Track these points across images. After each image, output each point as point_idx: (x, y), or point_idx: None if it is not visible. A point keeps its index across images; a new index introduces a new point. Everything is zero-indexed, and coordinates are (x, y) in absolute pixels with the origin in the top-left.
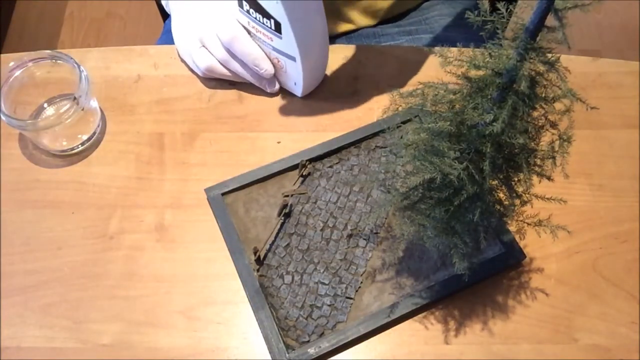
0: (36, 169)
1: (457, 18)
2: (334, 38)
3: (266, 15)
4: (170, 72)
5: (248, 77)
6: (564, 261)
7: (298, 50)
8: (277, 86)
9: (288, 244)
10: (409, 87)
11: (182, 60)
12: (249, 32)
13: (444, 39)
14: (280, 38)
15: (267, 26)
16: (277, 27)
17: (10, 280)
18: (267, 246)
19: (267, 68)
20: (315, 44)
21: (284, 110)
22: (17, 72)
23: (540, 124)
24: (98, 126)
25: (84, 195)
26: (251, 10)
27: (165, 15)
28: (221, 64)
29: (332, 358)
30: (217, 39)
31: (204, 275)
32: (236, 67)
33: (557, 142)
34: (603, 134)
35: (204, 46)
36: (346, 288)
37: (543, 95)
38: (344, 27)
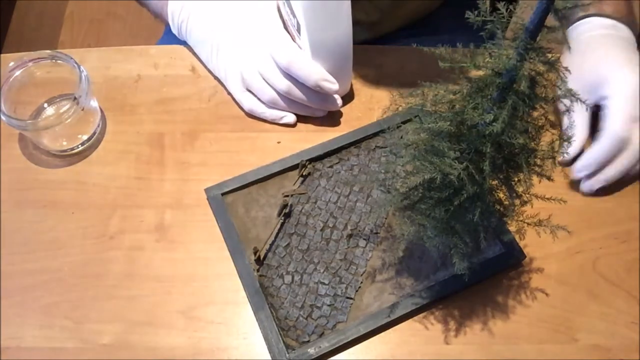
0: (36, 169)
1: (462, 20)
2: None
3: (293, 13)
4: (170, 72)
5: (312, 104)
6: (564, 261)
7: (311, 55)
8: (340, 100)
9: (288, 244)
10: (409, 87)
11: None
12: (284, 23)
13: (448, 41)
14: (300, 39)
15: (293, 24)
16: (299, 27)
17: (10, 280)
18: (267, 246)
19: (332, 82)
20: (331, 54)
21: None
22: (17, 72)
23: (540, 124)
24: (98, 126)
25: (84, 195)
26: (286, 3)
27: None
28: (284, 95)
29: (332, 358)
30: (275, 68)
31: (204, 275)
32: (299, 94)
33: (557, 142)
34: None
35: (263, 79)
36: (346, 288)
37: (543, 95)
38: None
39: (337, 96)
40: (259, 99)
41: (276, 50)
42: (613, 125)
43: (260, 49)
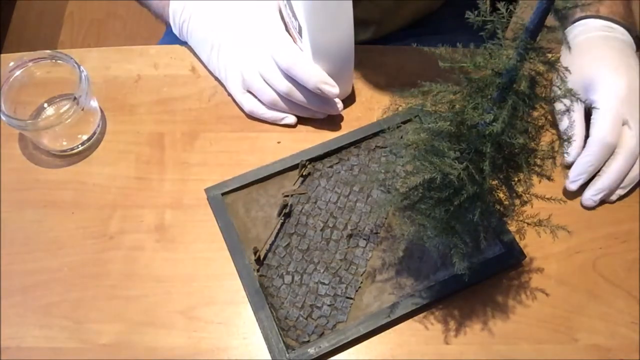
0: (36, 169)
1: (463, 20)
2: None
3: (294, 15)
4: (170, 72)
5: (312, 107)
6: (564, 261)
7: (312, 58)
8: (340, 104)
9: (288, 244)
10: (409, 87)
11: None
12: (285, 25)
13: (450, 40)
14: (301, 41)
15: (294, 26)
16: (300, 30)
17: (10, 280)
18: (267, 246)
19: (333, 86)
20: (333, 57)
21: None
22: (17, 72)
23: (540, 124)
24: (98, 126)
25: (84, 195)
26: (287, 4)
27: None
28: (285, 97)
29: (332, 358)
30: (276, 69)
31: (204, 275)
32: (299, 96)
33: (557, 142)
34: None
35: (264, 81)
36: (346, 288)
37: (543, 95)
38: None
39: (338, 100)
40: (259, 100)
41: (277, 51)
42: (598, 131)
43: (261, 50)
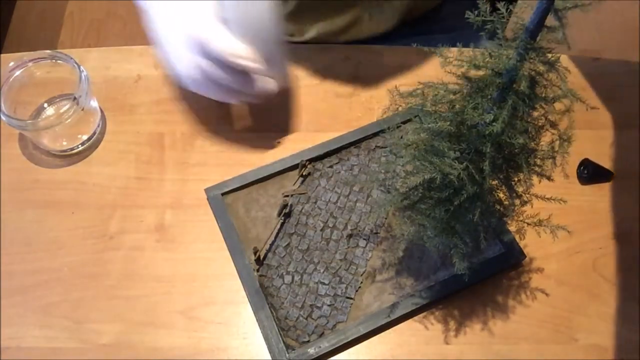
0: (36, 169)
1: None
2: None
3: None
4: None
5: (237, 86)
6: (564, 261)
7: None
8: (274, 82)
9: (288, 244)
10: (409, 87)
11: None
12: None
13: (458, 38)
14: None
15: None
16: None
17: (10, 280)
18: (267, 246)
19: (249, 56)
20: (250, 32)
21: (284, 110)
22: (17, 72)
23: (540, 124)
24: (98, 126)
25: (84, 195)
26: None
27: None
28: (209, 77)
29: (332, 358)
30: (199, 46)
31: (204, 275)
32: (220, 74)
33: (557, 142)
34: (603, 134)
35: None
36: (346, 288)
37: (543, 95)
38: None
39: (270, 79)
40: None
41: (191, 24)
42: None
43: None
